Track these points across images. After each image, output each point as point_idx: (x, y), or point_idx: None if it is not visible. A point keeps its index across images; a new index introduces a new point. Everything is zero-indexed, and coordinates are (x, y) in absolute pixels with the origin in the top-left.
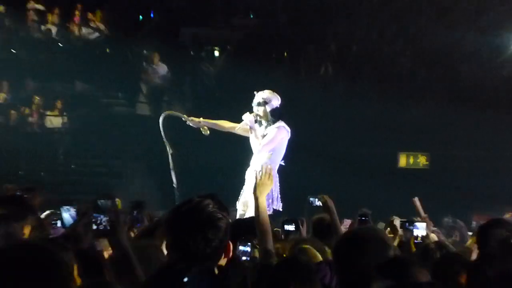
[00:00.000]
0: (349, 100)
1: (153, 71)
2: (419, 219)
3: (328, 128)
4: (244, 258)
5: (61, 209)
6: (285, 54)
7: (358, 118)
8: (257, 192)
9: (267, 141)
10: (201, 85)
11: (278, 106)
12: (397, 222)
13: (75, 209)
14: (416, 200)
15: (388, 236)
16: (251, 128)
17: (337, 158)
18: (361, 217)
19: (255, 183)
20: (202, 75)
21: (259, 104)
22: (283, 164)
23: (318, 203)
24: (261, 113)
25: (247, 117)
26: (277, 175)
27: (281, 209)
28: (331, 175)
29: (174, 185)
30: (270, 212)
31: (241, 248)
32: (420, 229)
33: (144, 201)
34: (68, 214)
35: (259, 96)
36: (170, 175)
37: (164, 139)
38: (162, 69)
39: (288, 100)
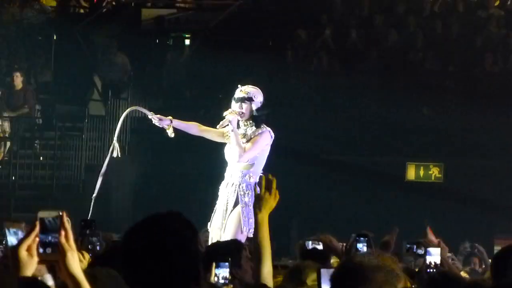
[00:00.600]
0: (347, 98)
1: (109, 63)
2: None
3: (321, 131)
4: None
5: (7, 232)
6: (270, 42)
7: (358, 120)
8: (257, 207)
9: (250, 147)
10: (168, 79)
11: (261, 106)
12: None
13: (23, 232)
14: (429, 227)
15: (398, 265)
16: (232, 130)
17: (333, 168)
18: (358, 238)
19: (256, 196)
20: (169, 68)
21: (243, 100)
22: (262, 174)
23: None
24: (245, 111)
25: (230, 116)
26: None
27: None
28: (325, 188)
29: (93, 196)
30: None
31: (217, 271)
32: (433, 255)
33: (94, 220)
34: (15, 238)
35: (243, 90)
36: (96, 183)
37: (115, 138)
38: (121, 60)
39: (274, 98)
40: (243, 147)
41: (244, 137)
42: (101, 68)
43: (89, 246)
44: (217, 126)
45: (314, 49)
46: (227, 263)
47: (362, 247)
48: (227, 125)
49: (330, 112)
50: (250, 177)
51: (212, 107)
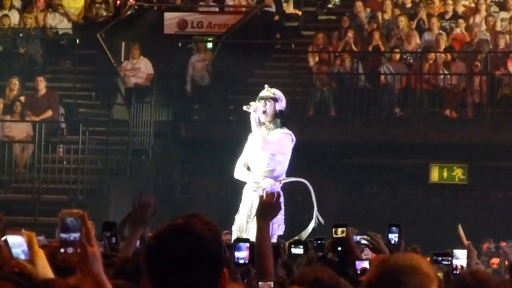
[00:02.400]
0: (368, 98)
1: (133, 67)
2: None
3: (343, 133)
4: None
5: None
6: (293, 45)
7: (380, 121)
8: (261, 216)
9: (271, 141)
10: (191, 83)
11: (284, 110)
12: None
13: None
14: (460, 227)
15: (432, 268)
16: (255, 120)
17: (355, 170)
18: (390, 228)
19: (259, 206)
20: (192, 71)
21: (267, 98)
22: (285, 180)
23: (362, 241)
24: (268, 110)
25: (255, 105)
26: (282, 193)
27: (282, 233)
28: (347, 191)
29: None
30: (274, 239)
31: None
32: (460, 259)
33: (115, 223)
34: (20, 250)
35: (270, 90)
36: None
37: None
38: (144, 64)
39: (297, 100)
40: (266, 138)
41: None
42: (124, 72)
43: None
44: (244, 107)
45: (336, 51)
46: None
47: (394, 237)
48: (254, 110)
49: (353, 115)
50: (274, 182)
51: (235, 111)
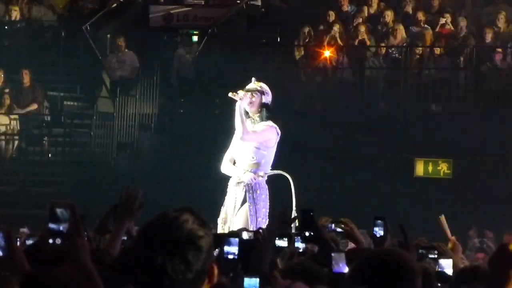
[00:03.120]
0: (354, 92)
1: (118, 60)
2: (441, 248)
3: (328, 126)
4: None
5: None
6: (278, 38)
7: (365, 114)
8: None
9: (255, 131)
10: (177, 76)
11: (269, 105)
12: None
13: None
14: (443, 218)
15: (416, 262)
16: (240, 109)
17: (339, 164)
18: (375, 221)
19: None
20: (178, 64)
21: (254, 90)
22: (268, 173)
23: (338, 230)
24: (255, 102)
25: (242, 93)
26: (266, 186)
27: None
28: (330, 184)
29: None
30: None
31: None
32: (446, 268)
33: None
34: None
35: (257, 83)
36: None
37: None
38: (129, 57)
39: (283, 93)
40: (247, 128)
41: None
42: (109, 65)
43: None
44: (229, 94)
45: (322, 45)
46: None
47: (378, 230)
48: (240, 98)
49: (338, 109)
50: (258, 176)
51: (220, 105)
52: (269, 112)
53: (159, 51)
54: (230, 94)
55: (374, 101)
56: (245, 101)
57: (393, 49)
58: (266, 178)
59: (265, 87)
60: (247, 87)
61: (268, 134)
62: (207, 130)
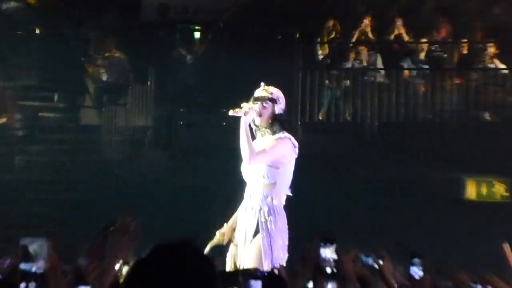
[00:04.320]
0: (389, 99)
1: (104, 62)
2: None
3: (357, 138)
4: None
5: None
6: (298, 34)
7: (402, 124)
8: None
9: (264, 150)
10: (175, 81)
11: (283, 113)
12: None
13: None
14: (507, 247)
15: None
16: (246, 125)
17: (370, 184)
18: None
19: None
20: (176, 67)
21: (264, 99)
22: (291, 194)
23: (373, 264)
24: (265, 113)
25: (247, 106)
26: (284, 212)
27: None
28: (359, 210)
29: None
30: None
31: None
32: None
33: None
34: None
35: (267, 89)
36: None
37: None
38: (118, 59)
39: (303, 99)
40: (254, 148)
41: (260, 146)
42: (94, 69)
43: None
44: (230, 112)
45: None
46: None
47: (417, 270)
48: (246, 111)
49: (369, 117)
50: (272, 199)
51: (227, 114)
52: (282, 124)
53: (154, 51)
54: (231, 113)
55: (413, 108)
56: (251, 115)
57: (436, 45)
58: (283, 202)
59: (277, 93)
60: (256, 94)
61: (281, 150)
62: (212, 145)
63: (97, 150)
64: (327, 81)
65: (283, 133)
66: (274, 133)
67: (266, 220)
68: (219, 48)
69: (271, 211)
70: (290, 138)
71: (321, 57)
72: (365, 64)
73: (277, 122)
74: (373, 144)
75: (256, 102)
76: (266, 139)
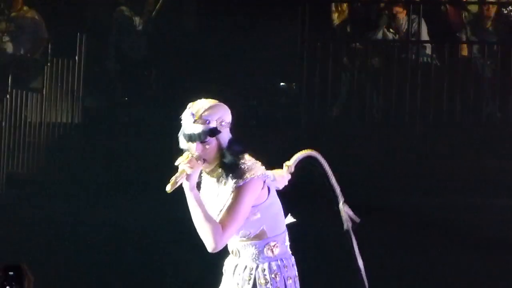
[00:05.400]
0: (440, 89)
1: (9, 26)
2: None
3: (393, 148)
4: None
5: None
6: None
7: (463, 128)
8: None
9: (229, 217)
10: (117, 56)
11: (230, 132)
12: None
13: None
14: None
15: None
16: (190, 190)
17: (415, 215)
18: None
19: None
20: (118, 35)
21: (200, 137)
22: (294, 220)
23: None
24: (208, 154)
25: (187, 166)
26: (291, 260)
27: None
28: (385, 248)
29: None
30: None
31: None
32: None
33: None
34: None
35: (197, 114)
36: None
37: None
38: (31, 21)
39: (307, 87)
40: (216, 222)
41: (217, 198)
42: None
43: None
44: (167, 187)
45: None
46: None
47: None
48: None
49: (404, 111)
50: (269, 249)
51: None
52: (236, 155)
53: (86, 11)
54: (169, 188)
55: (475, 100)
56: (196, 173)
57: (509, 8)
58: (287, 241)
59: (212, 114)
60: (185, 130)
61: (249, 198)
62: (165, 145)
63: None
64: (345, 59)
65: (245, 170)
66: (230, 172)
67: (267, 282)
68: (182, 7)
69: (272, 267)
70: (255, 174)
71: (337, 22)
72: (402, 34)
73: (229, 156)
74: (415, 153)
75: (190, 142)
76: (224, 189)
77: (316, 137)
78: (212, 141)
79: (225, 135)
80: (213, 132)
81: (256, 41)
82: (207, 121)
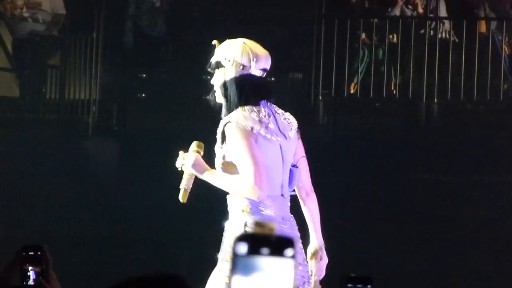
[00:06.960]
0: (459, 67)
1: (28, 3)
2: None
3: (411, 127)
4: None
5: None
6: None
7: (482, 109)
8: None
9: (239, 162)
10: (134, 32)
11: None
12: None
13: None
14: None
15: None
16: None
17: (429, 195)
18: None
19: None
20: (135, 11)
21: (209, 65)
22: (294, 192)
23: None
24: (216, 87)
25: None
26: (297, 232)
27: None
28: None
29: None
30: None
31: None
32: None
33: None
34: None
35: (215, 49)
36: None
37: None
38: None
39: (323, 64)
40: (240, 178)
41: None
42: (12, 12)
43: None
44: (180, 198)
45: None
46: None
47: None
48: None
49: (422, 90)
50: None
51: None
52: (236, 89)
53: None
54: (181, 198)
55: (495, 79)
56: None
57: None
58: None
59: (224, 46)
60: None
61: (242, 142)
62: (184, 132)
63: (13, 137)
64: (363, 36)
65: (239, 110)
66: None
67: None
68: None
69: (233, 225)
70: (233, 122)
71: None
72: (421, 10)
73: (225, 92)
74: (432, 133)
75: (212, 70)
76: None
77: (335, 113)
78: (219, 74)
79: (230, 72)
80: (216, 64)
81: (274, 17)
82: (216, 54)
